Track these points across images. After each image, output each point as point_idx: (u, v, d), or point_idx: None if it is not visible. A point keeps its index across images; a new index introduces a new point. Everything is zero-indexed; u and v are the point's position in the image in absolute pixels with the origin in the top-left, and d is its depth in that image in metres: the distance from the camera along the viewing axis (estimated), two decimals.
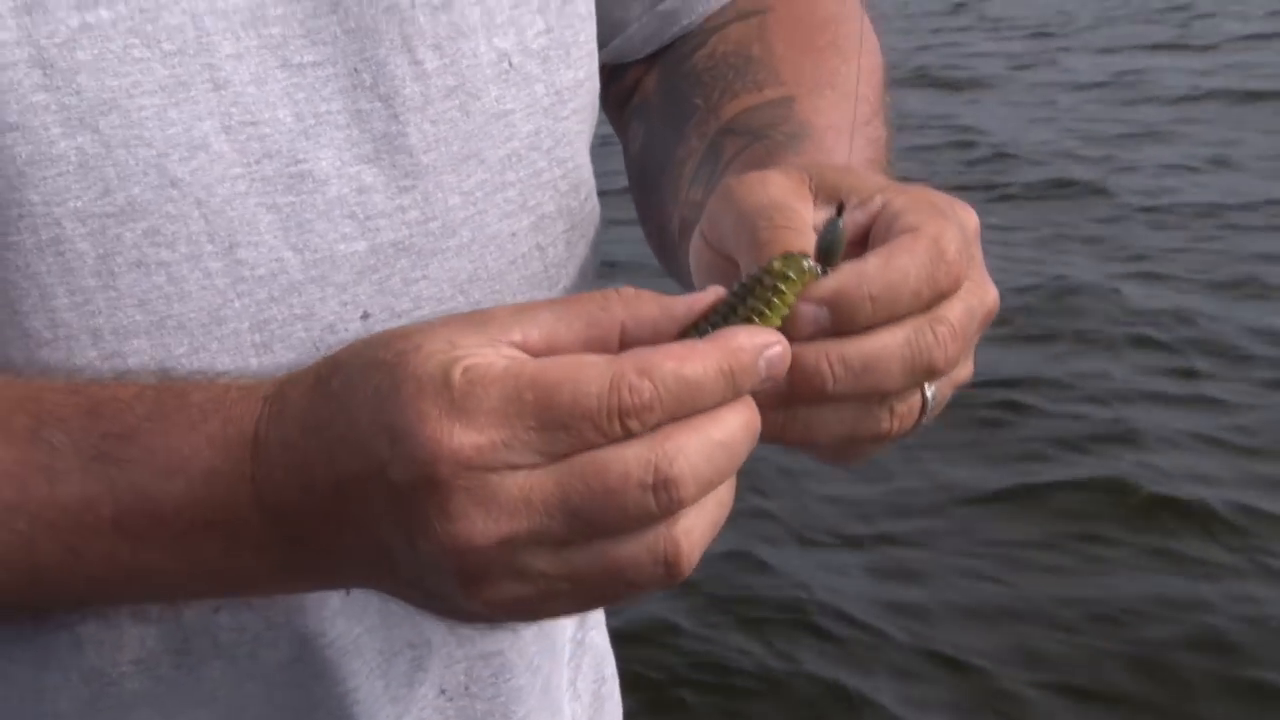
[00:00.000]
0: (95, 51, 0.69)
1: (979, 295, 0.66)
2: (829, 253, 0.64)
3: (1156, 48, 8.82)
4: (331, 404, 0.61)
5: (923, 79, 8.26)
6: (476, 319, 0.61)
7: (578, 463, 0.57)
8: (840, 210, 0.64)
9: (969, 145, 7.00)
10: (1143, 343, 4.63)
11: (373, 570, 0.63)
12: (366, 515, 0.60)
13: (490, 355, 0.58)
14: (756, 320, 0.61)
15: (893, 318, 0.63)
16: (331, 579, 0.68)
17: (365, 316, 0.78)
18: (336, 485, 0.60)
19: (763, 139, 0.83)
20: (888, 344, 0.63)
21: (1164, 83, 7.87)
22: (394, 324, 0.78)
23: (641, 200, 0.93)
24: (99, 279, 0.71)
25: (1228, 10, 9.51)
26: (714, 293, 0.63)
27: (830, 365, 0.62)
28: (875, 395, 0.64)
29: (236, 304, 0.74)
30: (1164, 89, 7.76)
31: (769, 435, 0.63)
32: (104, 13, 0.69)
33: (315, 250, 0.76)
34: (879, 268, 0.63)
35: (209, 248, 0.73)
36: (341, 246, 0.76)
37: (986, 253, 0.69)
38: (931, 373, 0.64)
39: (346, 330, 0.77)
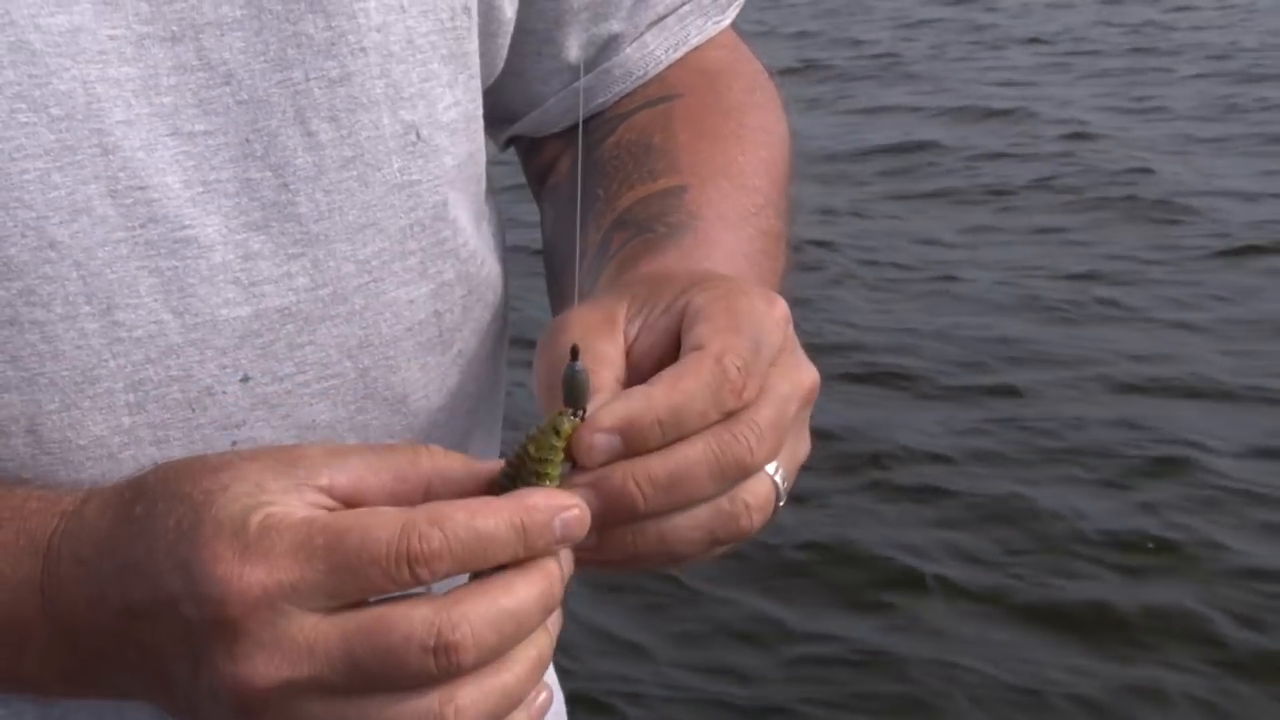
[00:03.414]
0: None
1: (792, 382, 0.69)
2: (576, 398, 0.66)
3: None
4: (131, 529, 0.65)
5: None
6: (287, 459, 0.65)
7: (365, 617, 0.61)
8: (575, 354, 0.66)
9: None
10: None
11: (151, 689, 0.67)
12: (154, 640, 0.64)
13: (293, 503, 0.62)
14: (544, 482, 0.64)
15: (683, 437, 0.65)
16: (112, 691, 0.71)
17: (245, 379, 0.79)
18: (126, 607, 0.64)
19: (646, 232, 0.85)
20: (689, 455, 0.65)
21: None
22: (276, 388, 0.80)
23: (549, 288, 0.95)
24: None
25: None
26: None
27: (637, 484, 0.65)
28: (698, 502, 0.66)
29: (111, 364, 0.75)
30: None
31: (622, 558, 0.66)
32: None
33: (196, 314, 0.77)
34: (665, 392, 0.65)
35: (86, 308, 0.74)
36: (224, 311, 0.78)
37: None
38: (745, 471, 0.66)
39: (224, 392, 0.78)
